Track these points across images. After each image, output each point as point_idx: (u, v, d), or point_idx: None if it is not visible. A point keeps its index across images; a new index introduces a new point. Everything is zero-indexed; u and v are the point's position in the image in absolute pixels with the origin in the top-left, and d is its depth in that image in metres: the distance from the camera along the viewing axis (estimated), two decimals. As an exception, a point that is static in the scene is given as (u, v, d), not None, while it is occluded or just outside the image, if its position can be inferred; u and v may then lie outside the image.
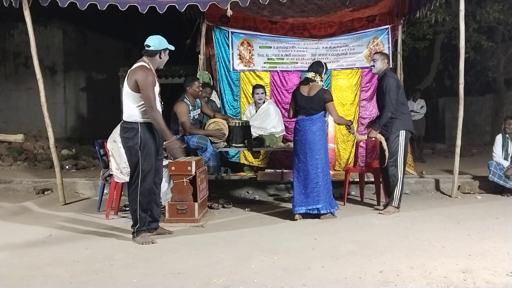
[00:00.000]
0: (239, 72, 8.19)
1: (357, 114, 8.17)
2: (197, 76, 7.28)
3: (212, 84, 7.77)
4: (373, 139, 5.90)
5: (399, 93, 5.67)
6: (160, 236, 4.67)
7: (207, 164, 6.20)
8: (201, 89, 6.57)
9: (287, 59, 8.19)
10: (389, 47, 7.97)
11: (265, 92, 7.46)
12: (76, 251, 4.21)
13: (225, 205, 6.24)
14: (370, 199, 6.50)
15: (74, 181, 7.37)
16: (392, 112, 5.59)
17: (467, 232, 4.66)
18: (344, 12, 7.63)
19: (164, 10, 5.94)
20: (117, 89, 11.21)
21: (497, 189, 6.76)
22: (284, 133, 7.34)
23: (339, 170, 8.00)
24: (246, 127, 6.58)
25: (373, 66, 5.78)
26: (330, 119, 7.99)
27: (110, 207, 5.66)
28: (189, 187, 5.27)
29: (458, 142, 6.70)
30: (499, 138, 6.98)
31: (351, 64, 8.16)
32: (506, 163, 6.75)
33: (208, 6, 5.96)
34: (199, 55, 7.98)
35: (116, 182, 5.63)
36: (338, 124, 5.59)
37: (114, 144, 5.45)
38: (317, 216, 5.36)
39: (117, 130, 5.41)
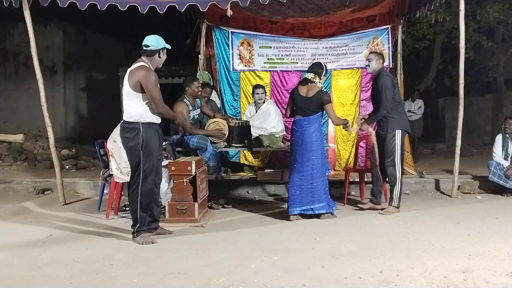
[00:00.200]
0: (239, 72, 8.18)
1: (357, 114, 8.15)
2: (197, 76, 7.28)
3: (212, 84, 7.76)
4: (366, 133, 5.91)
5: (394, 92, 5.69)
6: (160, 236, 4.67)
7: (207, 164, 6.20)
8: (200, 89, 6.57)
9: (287, 59, 8.19)
10: (389, 47, 7.97)
11: (265, 92, 7.46)
12: (76, 251, 4.21)
13: (225, 205, 6.24)
14: (370, 199, 6.48)
15: (74, 181, 7.37)
16: (388, 110, 5.60)
17: (467, 232, 4.66)
18: (344, 12, 7.63)
19: (164, 10, 5.95)
20: (117, 89, 11.22)
21: (497, 189, 6.76)
22: (284, 133, 7.34)
23: (339, 170, 8.00)
24: (246, 127, 6.58)
25: (368, 65, 5.80)
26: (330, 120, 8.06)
27: (110, 207, 5.66)
28: (189, 187, 5.26)
29: (458, 142, 6.70)
30: (499, 138, 6.98)
31: (351, 64, 8.15)
32: (506, 163, 6.75)
33: (208, 6, 5.97)
34: (199, 55, 7.98)
35: (116, 182, 5.63)
36: (336, 125, 5.60)
37: (114, 144, 5.45)
38: (317, 216, 5.35)
39: (117, 130, 5.40)
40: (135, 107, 4.46)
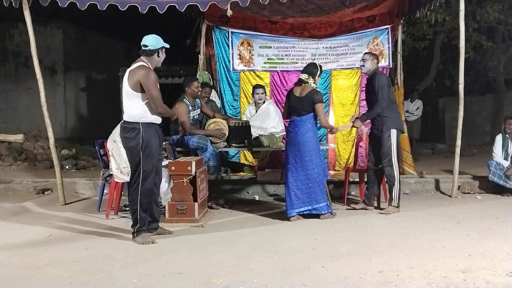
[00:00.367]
0: (239, 72, 8.18)
1: (357, 114, 8.16)
2: (197, 76, 7.28)
3: (211, 84, 7.76)
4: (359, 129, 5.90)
5: (389, 91, 5.72)
6: (160, 236, 4.67)
7: (207, 164, 6.20)
8: (200, 89, 6.57)
9: (287, 59, 8.19)
10: (389, 47, 7.97)
11: (265, 92, 7.45)
12: (76, 251, 4.21)
13: (224, 205, 6.24)
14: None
15: (74, 181, 7.37)
16: (383, 108, 5.61)
17: (467, 232, 4.66)
18: (344, 12, 7.63)
19: (164, 10, 5.94)
20: (117, 89, 11.21)
21: (497, 189, 6.76)
22: (284, 133, 7.33)
23: (339, 170, 8.00)
24: (246, 127, 6.57)
25: (363, 66, 5.82)
26: (330, 118, 8.05)
27: (110, 207, 5.66)
28: (189, 187, 5.26)
29: (458, 142, 6.70)
30: (499, 138, 6.98)
31: (351, 64, 8.15)
32: (506, 163, 6.75)
33: (208, 6, 5.97)
34: (199, 55, 7.98)
35: (116, 182, 5.63)
36: (324, 126, 5.52)
37: (114, 144, 5.45)
38: (316, 216, 5.33)
39: (117, 130, 5.40)
40: (135, 107, 4.46)
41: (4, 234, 4.87)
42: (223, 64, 8.17)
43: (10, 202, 6.50)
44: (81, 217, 5.69)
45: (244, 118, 7.41)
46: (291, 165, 5.39)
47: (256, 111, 7.30)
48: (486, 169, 6.85)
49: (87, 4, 5.86)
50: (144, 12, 5.93)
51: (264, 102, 7.27)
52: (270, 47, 8.16)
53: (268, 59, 8.18)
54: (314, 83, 5.41)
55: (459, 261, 3.74)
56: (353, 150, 7.95)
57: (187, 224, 5.17)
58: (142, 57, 4.55)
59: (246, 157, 8.09)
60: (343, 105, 8.18)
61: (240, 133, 6.52)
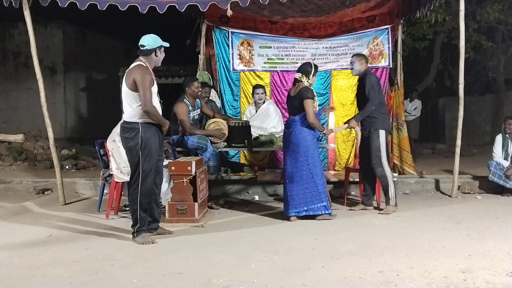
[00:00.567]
0: (239, 72, 8.18)
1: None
2: (197, 76, 7.28)
3: (211, 84, 7.76)
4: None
5: (379, 91, 5.75)
6: (160, 236, 4.67)
7: (207, 164, 6.20)
8: (200, 89, 6.57)
9: (287, 59, 8.18)
10: (389, 47, 7.97)
11: (265, 92, 7.45)
12: (76, 251, 4.21)
13: (224, 206, 6.24)
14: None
15: (74, 181, 7.37)
16: (376, 105, 5.62)
17: (467, 232, 4.66)
18: (344, 12, 7.63)
19: (164, 10, 5.94)
20: (117, 89, 11.17)
21: (497, 189, 6.77)
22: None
23: (339, 170, 8.00)
24: (246, 127, 6.58)
25: (352, 69, 5.86)
26: (330, 119, 8.05)
27: (110, 207, 5.66)
28: (189, 187, 5.26)
29: (458, 142, 6.70)
30: (499, 138, 6.99)
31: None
32: (506, 163, 6.75)
33: (208, 6, 5.96)
34: (199, 55, 7.99)
35: (116, 182, 5.63)
36: (311, 124, 5.27)
37: (114, 144, 5.46)
38: (312, 217, 5.29)
39: (116, 130, 5.42)
40: (134, 107, 4.46)
41: (4, 234, 4.87)
42: (223, 64, 8.17)
43: (10, 202, 6.50)
44: (81, 217, 5.69)
45: (244, 118, 7.41)
46: (287, 165, 5.39)
47: (256, 111, 7.30)
48: (486, 169, 6.85)
49: (87, 4, 5.86)
50: (144, 12, 5.93)
51: (264, 102, 7.27)
52: (270, 47, 8.16)
53: (268, 59, 8.18)
54: (308, 81, 5.34)
55: (459, 261, 3.74)
56: (353, 150, 7.95)
57: (187, 224, 5.17)
58: (140, 57, 4.56)
59: (246, 157, 8.09)
60: (343, 105, 8.17)
61: (240, 133, 6.52)
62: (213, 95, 7.77)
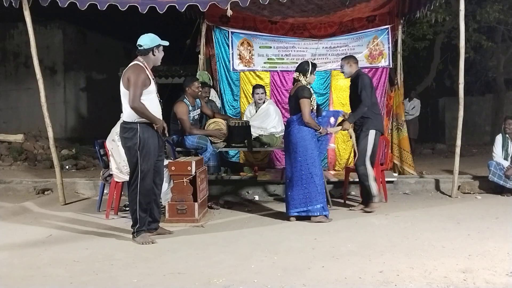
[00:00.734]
0: (239, 72, 8.18)
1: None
2: (197, 76, 7.28)
3: (211, 84, 7.76)
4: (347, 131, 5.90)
5: (372, 92, 5.78)
6: (160, 236, 4.67)
7: (207, 164, 6.20)
8: (200, 89, 6.57)
9: (287, 59, 8.18)
10: (389, 47, 7.97)
11: (265, 92, 7.45)
12: (76, 251, 4.21)
13: (224, 206, 6.24)
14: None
15: (74, 181, 7.37)
16: (368, 107, 5.65)
17: (467, 232, 4.66)
18: (344, 12, 7.63)
19: (164, 10, 5.94)
20: (117, 89, 11.07)
21: (497, 189, 6.76)
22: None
23: (339, 170, 8.00)
24: (246, 127, 6.58)
25: (343, 72, 5.94)
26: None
27: (110, 207, 5.66)
28: (189, 187, 5.26)
29: (458, 142, 6.70)
30: (499, 138, 6.98)
31: (351, 64, 8.13)
32: (506, 163, 6.75)
33: (208, 6, 5.96)
34: (199, 55, 7.99)
35: (116, 182, 5.63)
36: (307, 123, 5.17)
37: (113, 143, 5.47)
38: (309, 218, 5.23)
39: (115, 129, 5.43)
40: None
41: (4, 234, 4.87)
42: (223, 64, 8.17)
43: (10, 202, 6.50)
44: (81, 217, 5.69)
45: (244, 118, 7.41)
46: (287, 165, 5.40)
47: (256, 111, 7.29)
48: (486, 169, 6.85)
49: (87, 4, 5.86)
50: (144, 12, 5.93)
51: (264, 102, 7.27)
52: (270, 47, 8.16)
53: (268, 59, 8.18)
54: (306, 80, 5.31)
55: (459, 261, 3.74)
56: (353, 150, 7.93)
57: (187, 224, 5.17)
58: (138, 57, 4.56)
59: (246, 157, 8.09)
60: (343, 105, 8.15)
61: (240, 133, 6.52)
62: (213, 95, 7.77)
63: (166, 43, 4.61)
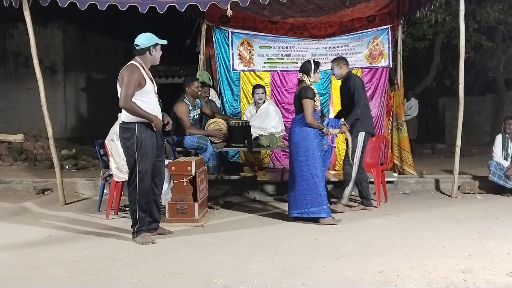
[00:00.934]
0: (239, 72, 8.18)
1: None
2: (197, 76, 7.28)
3: (211, 84, 7.76)
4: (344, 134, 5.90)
5: (364, 94, 5.82)
6: (160, 236, 4.67)
7: (207, 164, 6.20)
8: (200, 89, 6.57)
9: (287, 59, 8.18)
10: (389, 47, 7.97)
11: (265, 92, 7.45)
12: (76, 251, 4.21)
13: (224, 206, 6.23)
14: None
15: (74, 181, 7.37)
16: (362, 109, 5.69)
17: (467, 232, 4.66)
18: (344, 12, 7.63)
19: (164, 10, 5.94)
20: (117, 89, 11.18)
21: (497, 189, 6.76)
22: (284, 133, 7.34)
23: (339, 170, 7.99)
24: (246, 127, 6.58)
25: (334, 74, 5.98)
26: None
27: (110, 207, 5.66)
28: (189, 187, 5.26)
29: (458, 142, 6.70)
30: (499, 138, 6.98)
31: (351, 64, 8.01)
32: (506, 163, 6.75)
33: (208, 6, 5.96)
34: (199, 55, 7.99)
35: (116, 182, 5.63)
36: (310, 125, 5.17)
37: (112, 143, 5.48)
38: (315, 220, 5.18)
39: (113, 129, 5.44)
40: None
41: (4, 234, 4.87)
42: (223, 64, 8.17)
43: (10, 202, 6.50)
44: (81, 217, 5.69)
45: (244, 118, 7.41)
46: (290, 166, 5.38)
47: (256, 111, 7.29)
48: (486, 169, 6.85)
49: (87, 4, 5.86)
50: (144, 12, 5.93)
51: (264, 102, 7.27)
52: (270, 47, 8.16)
53: (268, 59, 8.18)
54: (310, 80, 5.28)
55: (459, 261, 3.74)
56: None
57: (187, 224, 5.17)
58: (136, 57, 4.57)
59: (246, 157, 8.08)
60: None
61: (240, 133, 6.52)
62: (213, 95, 7.78)
63: (164, 42, 4.60)
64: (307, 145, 5.19)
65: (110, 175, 5.71)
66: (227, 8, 5.84)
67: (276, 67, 8.19)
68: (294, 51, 8.16)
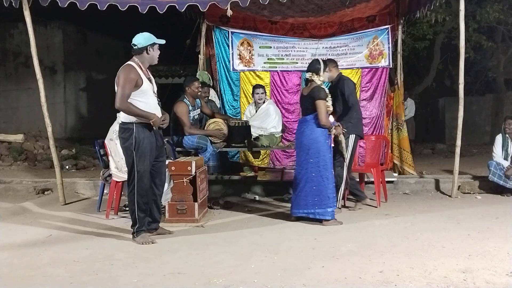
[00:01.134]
0: (239, 72, 8.17)
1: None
2: (197, 76, 7.28)
3: (211, 84, 7.76)
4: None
5: (356, 96, 5.88)
6: (160, 236, 4.68)
7: (207, 164, 6.20)
8: (200, 89, 6.57)
9: (287, 59, 8.18)
10: (389, 47, 7.96)
11: (265, 92, 7.45)
12: (76, 251, 4.21)
13: (224, 206, 6.23)
14: (370, 199, 6.47)
15: (74, 181, 7.37)
16: (357, 111, 5.73)
17: (467, 232, 4.66)
18: (344, 12, 7.63)
19: (164, 10, 5.95)
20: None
21: (497, 189, 6.76)
22: (284, 133, 7.34)
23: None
24: (246, 127, 6.58)
25: None
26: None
27: (110, 207, 5.66)
28: (189, 187, 5.26)
29: (458, 142, 6.70)
30: (499, 138, 6.99)
31: (351, 64, 8.13)
32: (506, 163, 6.75)
33: (208, 6, 5.97)
34: (199, 55, 7.98)
35: (116, 182, 5.63)
36: (323, 125, 5.13)
37: (111, 142, 5.49)
38: (319, 220, 5.16)
39: (112, 128, 5.45)
40: None
41: (4, 234, 4.87)
42: (223, 64, 8.16)
43: (10, 202, 6.50)
44: (81, 217, 5.69)
45: (244, 118, 7.41)
46: (297, 166, 5.32)
47: (256, 111, 7.29)
48: (486, 169, 6.85)
49: (87, 4, 5.87)
50: (144, 12, 5.93)
51: (264, 102, 7.27)
52: (270, 47, 8.15)
53: (268, 59, 8.18)
54: (320, 79, 5.22)
55: (459, 261, 3.74)
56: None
57: (187, 224, 5.17)
58: (134, 57, 4.56)
59: (246, 157, 8.08)
60: (343, 105, 8.17)
61: (240, 133, 6.52)
62: (213, 95, 7.78)
63: (162, 41, 4.59)
64: (318, 146, 5.14)
65: (110, 175, 5.71)
66: (227, 8, 5.84)
67: (276, 67, 8.19)
68: (294, 51, 8.16)
